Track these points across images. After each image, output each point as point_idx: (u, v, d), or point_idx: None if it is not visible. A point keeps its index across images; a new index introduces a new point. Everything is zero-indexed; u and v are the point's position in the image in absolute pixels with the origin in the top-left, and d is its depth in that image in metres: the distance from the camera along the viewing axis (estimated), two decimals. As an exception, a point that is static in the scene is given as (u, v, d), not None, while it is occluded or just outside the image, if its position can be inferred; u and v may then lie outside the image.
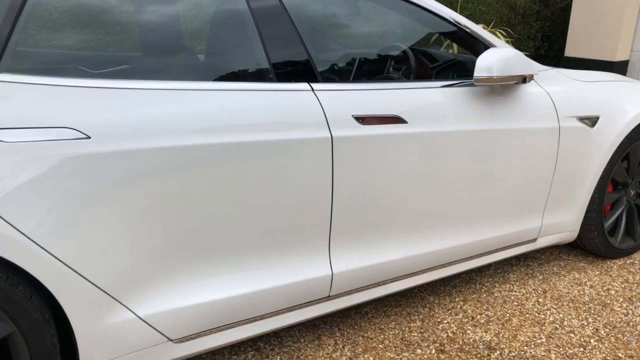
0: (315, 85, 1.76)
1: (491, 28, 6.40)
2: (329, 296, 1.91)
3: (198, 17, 2.06)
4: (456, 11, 6.80)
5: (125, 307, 1.51)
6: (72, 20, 1.76)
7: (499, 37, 6.00)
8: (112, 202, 1.42)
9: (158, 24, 1.76)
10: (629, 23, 6.75)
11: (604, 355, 1.98)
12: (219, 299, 1.67)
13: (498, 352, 2.00)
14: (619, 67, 6.90)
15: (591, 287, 2.45)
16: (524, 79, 2.04)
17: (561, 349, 2.02)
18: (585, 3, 6.95)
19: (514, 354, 1.99)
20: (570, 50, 7.22)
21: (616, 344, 2.04)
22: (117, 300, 1.49)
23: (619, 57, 6.83)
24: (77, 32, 1.80)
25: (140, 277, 1.52)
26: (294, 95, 1.70)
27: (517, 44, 7.19)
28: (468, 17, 6.87)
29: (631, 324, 2.17)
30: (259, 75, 1.73)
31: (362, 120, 1.80)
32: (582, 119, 2.31)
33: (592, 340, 2.07)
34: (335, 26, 2.59)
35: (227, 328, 1.74)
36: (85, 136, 1.37)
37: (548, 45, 7.85)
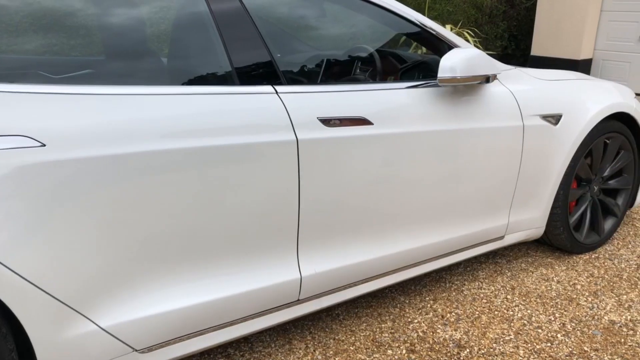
0: (280, 88, 1.75)
1: (459, 28, 6.48)
2: (298, 300, 1.90)
3: (164, 20, 2.03)
4: (424, 12, 6.87)
5: (87, 318, 1.47)
6: (34, 24, 1.71)
7: (466, 38, 6.09)
8: (69, 212, 1.38)
9: (120, 27, 1.72)
10: (591, 22, 6.92)
11: (570, 349, 2.02)
12: (185, 306, 1.64)
13: (468, 350, 2.02)
14: (583, 65, 7.06)
15: (558, 282, 2.49)
16: (487, 79, 2.06)
17: (529, 344, 2.05)
18: (549, 3, 7.10)
19: (483, 351, 2.01)
20: (536, 50, 7.37)
21: (582, 338, 2.08)
22: (78, 312, 1.45)
23: (582, 56, 6.99)
24: (39, 36, 1.75)
25: (101, 287, 1.48)
26: (258, 98, 1.69)
27: (485, 44, 7.30)
28: (436, 17, 6.95)
29: (596, 317, 2.21)
30: (221, 79, 1.70)
31: (328, 122, 1.79)
32: (545, 117, 2.34)
33: (559, 335, 2.10)
34: (300, 28, 2.58)
35: (195, 335, 1.71)
36: (40, 144, 1.33)
37: (515, 44, 7.99)
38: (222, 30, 1.70)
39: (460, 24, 6.87)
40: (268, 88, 1.73)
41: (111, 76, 1.63)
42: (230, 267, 1.72)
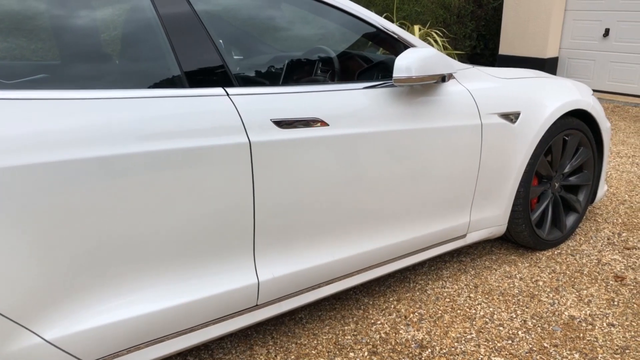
0: (231, 90, 1.72)
1: (427, 29, 6.53)
2: (256, 305, 1.87)
3: (116, 25, 1.98)
4: (392, 12, 6.90)
5: (31, 331, 1.42)
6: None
7: (435, 38, 6.13)
8: (9, 220, 1.33)
9: (67, 30, 1.68)
10: (556, 22, 7.03)
11: (530, 346, 2.03)
12: (137, 315, 1.60)
13: (429, 350, 2.01)
14: (550, 64, 7.18)
15: (521, 279, 2.51)
16: (444, 78, 2.06)
17: (490, 342, 2.05)
18: (515, 3, 7.20)
19: (444, 350, 2.01)
20: (503, 49, 7.46)
21: (542, 334, 2.09)
22: (21, 325, 1.40)
23: (549, 54, 7.11)
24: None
25: (45, 299, 1.43)
26: (208, 101, 1.66)
27: (454, 44, 7.37)
28: (404, 18, 6.99)
29: (557, 313, 2.23)
30: (170, 82, 1.67)
31: (282, 124, 1.77)
32: (503, 115, 2.36)
33: (519, 332, 2.11)
34: (257, 30, 2.55)
35: (150, 344, 1.67)
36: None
37: (484, 44, 8.08)
38: (170, 34, 1.67)
39: (428, 24, 6.92)
40: (218, 90, 1.70)
41: (58, 81, 1.58)
42: (185, 274, 1.68)
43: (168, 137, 1.55)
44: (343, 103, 1.94)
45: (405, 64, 1.96)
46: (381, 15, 6.95)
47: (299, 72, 2.38)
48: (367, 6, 7.19)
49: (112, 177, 1.47)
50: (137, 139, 1.50)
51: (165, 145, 1.54)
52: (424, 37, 6.16)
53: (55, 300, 1.45)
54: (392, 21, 6.74)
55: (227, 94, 1.71)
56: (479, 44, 8.03)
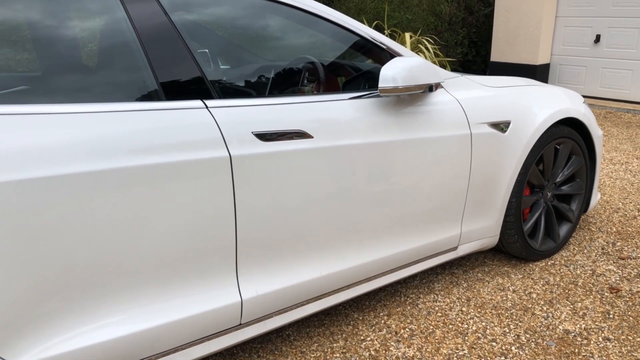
0: (210, 102, 1.66)
1: (418, 36, 6.50)
2: (240, 324, 1.80)
3: (91, 36, 1.93)
4: (383, 20, 6.88)
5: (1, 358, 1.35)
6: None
7: (426, 45, 6.10)
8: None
9: (44, 42, 1.62)
10: (547, 28, 7.03)
11: (524, 362, 1.97)
12: (115, 337, 1.53)
13: (420, 367, 1.95)
14: (541, 70, 7.17)
15: (514, 291, 2.45)
16: (431, 88, 2.01)
17: (483, 359, 1.99)
18: (506, 10, 7.19)
19: (436, 368, 1.95)
20: (495, 56, 7.45)
21: (536, 350, 2.03)
22: (-13, 352, 1.33)
23: (540, 61, 7.10)
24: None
25: (14, 325, 1.36)
26: (185, 114, 1.60)
27: (445, 51, 7.35)
28: (395, 25, 6.97)
29: (551, 327, 2.17)
30: (146, 95, 1.61)
31: (264, 136, 1.71)
32: (493, 125, 2.31)
33: (513, 348, 2.05)
34: (240, 41, 2.50)
35: (128, 368, 1.60)
36: None
37: (475, 51, 8.07)
38: (146, 46, 1.61)
39: (419, 32, 6.90)
40: (197, 103, 1.64)
41: (29, 95, 1.52)
42: (165, 294, 1.62)
43: (144, 152, 1.49)
44: (328, 114, 1.88)
45: (391, 74, 1.91)
46: (372, 23, 6.93)
47: (284, 82, 2.33)
48: (358, 14, 7.17)
49: (85, 195, 1.40)
50: (111, 155, 1.44)
51: (141, 160, 1.48)
52: (415, 45, 6.14)
53: (26, 327, 1.38)
54: (383, 29, 6.71)
55: (206, 107, 1.65)
56: (471, 51, 8.02)
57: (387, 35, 6.17)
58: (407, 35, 6.11)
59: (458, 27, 7.59)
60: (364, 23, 5.65)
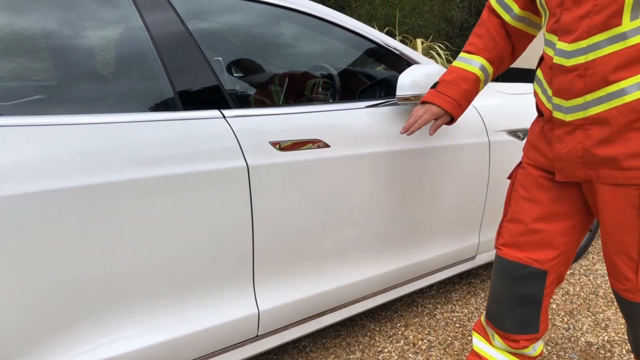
0: (227, 112, 1.65)
1: (430, 42, 6.48)
2: (257, 336, 1.78)
3: (107, 46, 1.93)
4: (394, 26, 6.87)
5: (15, 372, 1.33)
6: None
7: (438, 51, 6.07)
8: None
9: (60, 52, 1.61)
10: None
11: (546, 375, 1.92)
12: (131, 350, 1.51)
13: (440, 380, 1.91)
14: (555, 76, 7.09)
15: (533, 301, 2.40)
16: (449, 95, 1.98)
17: (504, 372, 1.94)
18: (519, 15, 7.13)
19: (456, 381, 1.91)
20: (507, 61, 7.39)
21: (558, 363, 1.99)
22: (3, 366, 1.31)
23: (553, 66, 7.02)
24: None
25: (29, 338, 1.35)
26: (203, 124, 1.58)
27: (457, 57, 7.32)
28: (406, 32, 6.95)
29: (572, 339, 2.12)
30: (163, 105, 1.59)
31: (281, 146, 1.69)
32: (511, 132, 2.27)
33: (534, 360, 2.00)
34: (257, 49, 2.49)
35: (144, 381, 1.58)
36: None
37: (487, 56, 8.02)
38: (163, 55, 1.60)
39: (431, 38, 6.88)
40: (214, 112, 1.62)
41: (43, 105, 1.51)
42: (180, 305, 1.60)
43: (161, 162, 1.47)
44: (344, 123, 1.86)
45: (409, 82, 1.89)
46: (383, 29, 6.91)
47: (299, 90, 2.31)
48: (369, 20, 7.16)
49: (102, 206, 1.39)
50: (127, 166, 1.43)
51: (158, 171, 1.47)
52: (427, 51, 6.11)
53: (42, 340, 1.36)
54: (395, 35, 6.69)
55: (223, 116, 1.63)
56: (482, 56, 7.97)
57: (398, 42, 6.14)
58: (419, 41, 6.08)
59: (469, 33, 7.56)
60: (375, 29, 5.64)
